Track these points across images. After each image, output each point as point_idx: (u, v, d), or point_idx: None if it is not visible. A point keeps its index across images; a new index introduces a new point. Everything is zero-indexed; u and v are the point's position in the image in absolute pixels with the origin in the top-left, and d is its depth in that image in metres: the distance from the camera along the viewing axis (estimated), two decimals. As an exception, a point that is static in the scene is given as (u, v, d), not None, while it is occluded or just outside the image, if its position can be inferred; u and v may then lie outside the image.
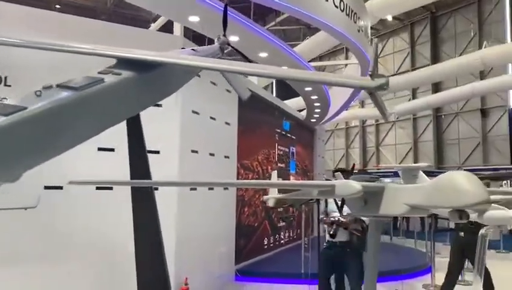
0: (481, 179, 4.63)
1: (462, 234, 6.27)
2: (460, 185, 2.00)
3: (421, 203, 2.18)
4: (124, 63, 2.59)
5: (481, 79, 18.98)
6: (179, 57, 2.75)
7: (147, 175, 3.02)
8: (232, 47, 4.25)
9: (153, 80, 2.74)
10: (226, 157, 7.66)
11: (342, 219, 5.06)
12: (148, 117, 6.31)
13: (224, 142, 7.66)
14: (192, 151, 6.58)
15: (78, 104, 2.19)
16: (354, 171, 6.84)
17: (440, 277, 8.33)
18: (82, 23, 5.86)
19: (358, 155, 28.18)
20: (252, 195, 8.75)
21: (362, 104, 27.66)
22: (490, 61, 12.77)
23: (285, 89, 10.36)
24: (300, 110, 13.38)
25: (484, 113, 21.00)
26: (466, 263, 8.90)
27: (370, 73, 2.42)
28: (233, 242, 7.96)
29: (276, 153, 10.77)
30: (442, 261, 10.62)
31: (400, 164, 24.78)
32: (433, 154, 22.96)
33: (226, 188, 7.71)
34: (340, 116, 25.05)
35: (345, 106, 12.19)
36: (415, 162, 24.26)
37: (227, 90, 7.78)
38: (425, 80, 16.59)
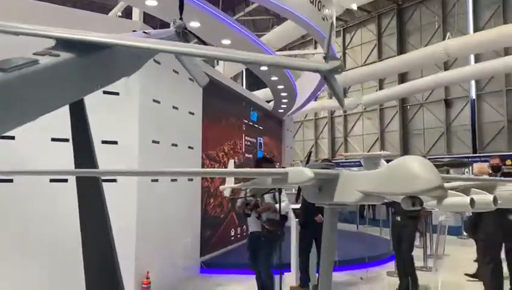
0: (440, 166, 4.67)
1: (398, 218, 6.41)
2: (413, 171, 1.93)
3: (374, 190, 2.11)
4: (63, 44, 2.40)
5: (445, 70, 19.44)
6: (122, 38, 2.57)
7: (92, 163, 2.83)
8: (188, 31, 4.07)
9: (95, 63, 2.55)
10: (190, 148, 7.49)
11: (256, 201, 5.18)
12: (105, 106, 6.06)
13: (188, 133, 7.48)
14: (153, 141, 6.38)
15: (6, 86, 2.00)
16: (317, 160, 6.74)
17: (403, 264, 8.51)
18: (37, 7, 5.53)
19: (327, 146, 28.47)
20: (218, 186, 8.60)
21: (330, 96, 27.91)
22: (453, 52, 13.03)
23: (254, 79, 10.22)
24: (268, 101, 13.30)
25: (448, 103, 21.55)
26: (428, 249, 9.14)
27: (324, 55, 2.32)
28: (198, 234, 7.82)
29: (244, 143, 10.66)
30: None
31: (367, 154, 25.21)
32: (399, 144, 23.44)
33: (190, 179, 7.54)
34: (308, 107, 25.18)
35: (312, 96, 12.18)
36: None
37: (191, 79, 7.57)
38: (391, 71, 16.83)
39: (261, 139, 12.05)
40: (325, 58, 2.31)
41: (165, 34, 3.80)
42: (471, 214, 4.69)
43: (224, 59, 2.15)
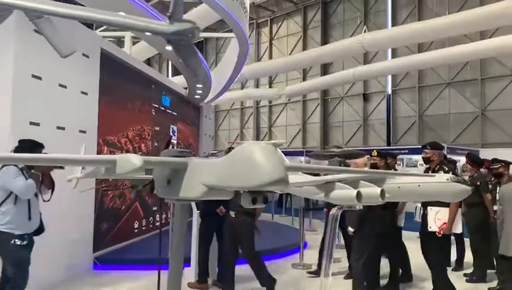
0: (332, 156, 4.47)
1: (233, 215, 5.74)
2: (253, 161, 1.55)
3: (218, 183, 1.72)
4: None
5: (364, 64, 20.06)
6: None
7: None
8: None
9: None
10: (81, 132, 6.73)
11: None
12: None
13: (79, 115, 6.71)
14: (32, 123, 5.59)
15: None
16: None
17: (311, 255, 8.44)
18: None
19: (252, 135, 28.41)
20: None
21: (257, 84, 27.81)
22: (369, 46, 13.30)
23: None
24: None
25: (366, 98, 22.31)
26: (338, 239, 9.18)
27: (169, 14, 1.88)
28: (91, 227, 7.12)
29: (152, 129, 9.98)
30: (316, 238, 10.91)
31: (289, 144, 25.49)
32: (319, 135, 23.95)
33: (83, 167, 6.79)
34: (234, 96, 24.93)
35: (228, 84, 11.75)
36: (303, 143, 25.14)
37: (85, 55, 6.81)
38: (311, 62, 16.84)
39: (173, 125, 11.42)
40: (169, 17, 1.87)
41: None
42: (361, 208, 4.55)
43: (42, 12, 1.68)
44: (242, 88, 27.18)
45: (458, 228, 5.34)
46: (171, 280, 2.22)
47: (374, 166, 5.84)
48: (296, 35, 25.81)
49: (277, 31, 27.17)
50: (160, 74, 11.74)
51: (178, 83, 12.31)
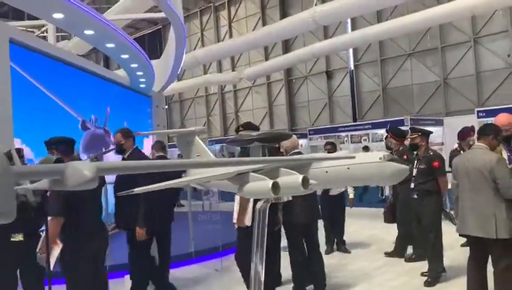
0: (250, 141, 3.87)
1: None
2: None
3: None
4: None
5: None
6: None
7: None
8: None
9: None
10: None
11: None
12: None
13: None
14: None
15: None
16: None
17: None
18: None
19: (219, 122, 27.71)
20: None
21: (220, 70, 26.97)
22: (321, 18, 12.63)
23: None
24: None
25: (329, 75, 21.85)
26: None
27: None
28: None
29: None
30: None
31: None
32: (286, 117, 23.47)
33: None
34: (194, 83, 24.07)
35: (176, 70, 10.94)
36: (271, 126, 24.58)
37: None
38: (268, 39, 15.96)
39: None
40: None
41: None
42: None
43: None
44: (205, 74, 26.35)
45: (248, 221, 4.48)
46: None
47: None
48: (255, 16, 25.04)
49: (235, 13, 26.32)
50: (102, 67, 10.86)
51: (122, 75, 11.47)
